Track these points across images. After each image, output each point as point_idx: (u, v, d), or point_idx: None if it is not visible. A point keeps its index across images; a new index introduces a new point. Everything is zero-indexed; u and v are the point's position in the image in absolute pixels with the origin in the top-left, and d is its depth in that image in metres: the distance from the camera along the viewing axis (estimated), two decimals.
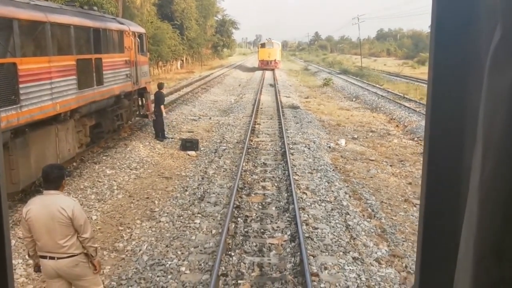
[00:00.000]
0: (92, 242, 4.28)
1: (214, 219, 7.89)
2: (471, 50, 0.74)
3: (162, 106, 14.03)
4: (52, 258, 4.15)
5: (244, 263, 6.28)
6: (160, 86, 14.58)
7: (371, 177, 10.79)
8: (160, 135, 14.13)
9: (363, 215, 8.28)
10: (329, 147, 13.84)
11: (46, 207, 4.07)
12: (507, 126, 0.58)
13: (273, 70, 50.60)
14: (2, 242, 0.83)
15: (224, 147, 13.34)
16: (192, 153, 12.75)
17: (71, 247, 4.15)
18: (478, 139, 0.64)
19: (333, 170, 11.08)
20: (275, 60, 53.31)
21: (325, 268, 6.13)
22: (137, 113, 15.57)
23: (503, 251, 0.61)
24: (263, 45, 55.66)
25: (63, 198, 4.23)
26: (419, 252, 0.87)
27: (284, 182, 9.95)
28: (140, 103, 15.70)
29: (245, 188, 9.55)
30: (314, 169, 10.92)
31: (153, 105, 14.94)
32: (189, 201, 8.85)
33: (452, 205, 0.81)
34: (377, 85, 33.39)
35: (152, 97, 15.68)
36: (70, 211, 4.07)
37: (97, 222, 7.85)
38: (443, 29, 0.77)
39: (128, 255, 6.71)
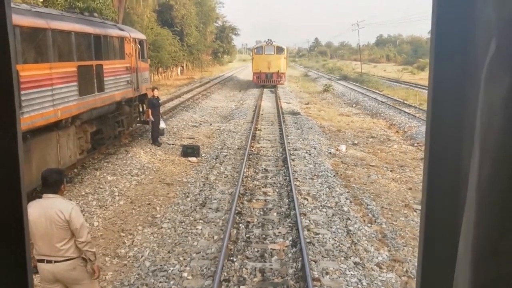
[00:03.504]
0: (89, 247, 4.22)
1: (215, 225, 7.91)
2: (469, 61, 0.78)
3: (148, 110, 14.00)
4: (49, 261, 4.13)
5: (246, 269, 6.29)
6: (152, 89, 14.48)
7: (372, 182, 10.81)
8: (154, 140, 14.12)
9: (364, 221, 8.30)
10: (330, 153, 13.86)
11: (44, 210, 4.08)
12: (502, 132, 0.62)
13: (274, 87, 34.26)
14: (23, 247, 0.86)
15: (225, 153, 13.36)
16: (193, 159, 12.78)
17: (68, 251, 4.14)
18: (476, 144, 0.67)
19: (333, 175, 11.10)
20: (277, 73, 34.52)
21: (327, 273, 6.15)
22: (138, 119, 15.62)
23: (500, 250, 0.64)
24: (259, 50, 35.77)
25: (61, 201, 4.22)
26: (420, 255, 0.90)
27: (285, 188, 9.97)
28: (141, 109, 15.75)
29: (247, 194, 9.57)
30: (315, 175, 10.95)
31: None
32: (191, 207, 8.87)
33: (452, 208, 0.84)
34: (377, 91, 33.48)
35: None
36: (68, 214, 4.08)
37: (98, 229, 7.86)
38: (443, 41, 0.81)
39: (130, 261, 6.72)
